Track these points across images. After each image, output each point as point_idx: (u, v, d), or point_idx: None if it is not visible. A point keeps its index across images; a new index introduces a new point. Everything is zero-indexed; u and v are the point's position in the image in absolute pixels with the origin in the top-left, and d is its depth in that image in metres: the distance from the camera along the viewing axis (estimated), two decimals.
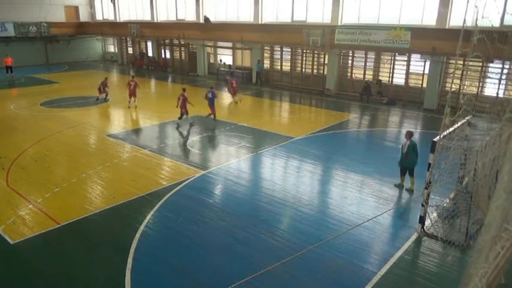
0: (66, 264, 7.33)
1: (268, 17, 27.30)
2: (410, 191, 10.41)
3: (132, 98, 19.95)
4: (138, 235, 8.21)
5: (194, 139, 15.03)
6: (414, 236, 8.29)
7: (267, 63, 28.19)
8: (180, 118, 17.07)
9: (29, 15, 35.80)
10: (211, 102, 17.32)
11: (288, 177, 11.60)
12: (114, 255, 7.56)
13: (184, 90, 17.27)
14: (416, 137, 15.78)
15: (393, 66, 22.28)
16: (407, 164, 10.27)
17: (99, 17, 41.63)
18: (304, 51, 25.68)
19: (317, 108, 21.07)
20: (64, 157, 13.11)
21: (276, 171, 12.14)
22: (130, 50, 39.17)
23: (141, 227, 8.52)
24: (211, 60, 32.78)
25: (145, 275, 6.98)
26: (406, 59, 21.49)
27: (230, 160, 12.77)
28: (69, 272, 7.11)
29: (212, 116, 17.53)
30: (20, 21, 35.21)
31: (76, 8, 40.49)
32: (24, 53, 35.98)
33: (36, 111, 19.51)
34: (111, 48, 42.64)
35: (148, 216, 8.99)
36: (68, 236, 8.32)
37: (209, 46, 31.92)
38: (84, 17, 41.05)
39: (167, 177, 11.26)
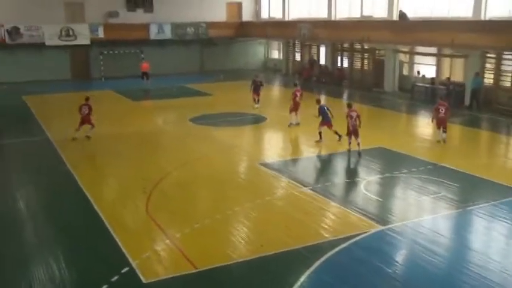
0: None
1: (496, 10, 25.50)
2: None
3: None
4: None
5: (371, 179, 14.92)
6: None
7: (488, 78, 26.28)
8: None
9: (188, 15, 41.66)
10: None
11: None
12: None
13: None
14: None
15: None
16: None
17: (264, 15, 45.83)
18: None
19: None
20: (209, 186, 14.65)
21: (493, 240, 11.15)
22: (297, 57, 41.81)
23: None
24: (405, 72, 32.29)
25: None
26: None
27: (422, 215, 12.32)
28: None
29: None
30: (178, 21, 41.36)
31: (239, 5, 45.47)
32: (179, 59, 41.92)
33: (184, 128, 22.47)
34: (275, 54, 46.27)
35: (303, 278, 9.19)
36: (204, 286, 9.14)
37: (403, 52, 31.55)
38: (247, 15, 45.75)
39: (331, 229, 11.42)
